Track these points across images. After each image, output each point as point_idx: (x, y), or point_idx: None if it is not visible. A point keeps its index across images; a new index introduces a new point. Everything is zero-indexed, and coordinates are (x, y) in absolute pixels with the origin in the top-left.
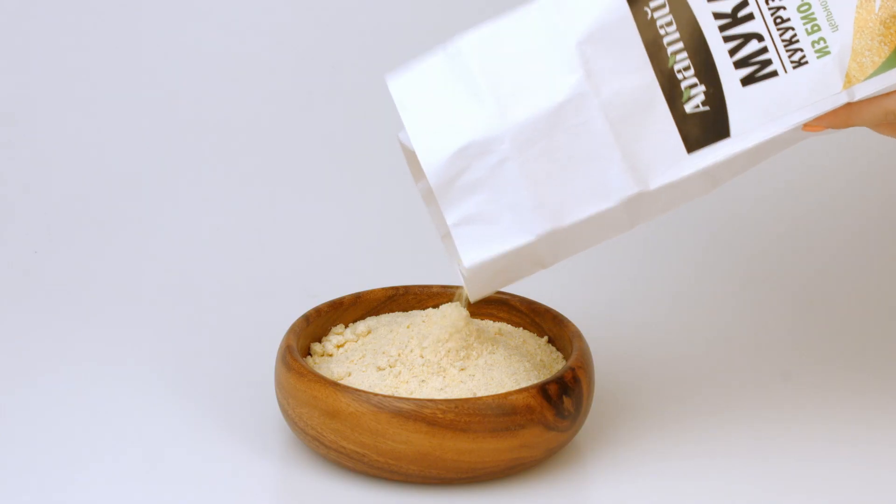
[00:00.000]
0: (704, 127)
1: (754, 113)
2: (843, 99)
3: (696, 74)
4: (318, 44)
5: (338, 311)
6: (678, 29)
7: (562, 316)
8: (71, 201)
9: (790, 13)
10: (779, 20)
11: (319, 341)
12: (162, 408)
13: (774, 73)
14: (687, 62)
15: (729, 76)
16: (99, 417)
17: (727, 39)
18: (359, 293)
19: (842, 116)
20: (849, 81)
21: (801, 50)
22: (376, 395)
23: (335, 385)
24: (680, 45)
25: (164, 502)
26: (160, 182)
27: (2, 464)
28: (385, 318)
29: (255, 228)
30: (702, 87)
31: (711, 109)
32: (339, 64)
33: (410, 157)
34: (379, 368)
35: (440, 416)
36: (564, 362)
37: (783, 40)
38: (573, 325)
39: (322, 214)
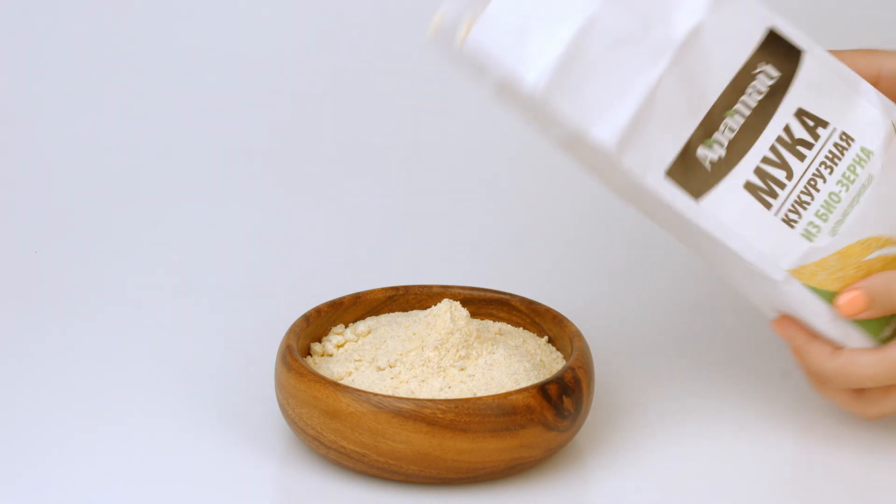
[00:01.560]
0: (691, 176)
1: (726, 210)
2: (776, 277)
3: (730, 142)
4: (318, 44)
5: (338, 311)
6: (758, 104)
7: (562, 316)
8: (70, 201)
9: (823, 188)
10: (812, 183)
11: (319, 341)
12: (161, 408)
13: (768, 206)
14: (736, 128)
15: (743, 171)
16: (98, 417)
17: (772, 151)
18: (359, 293)
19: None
20: (795, 274)
21: (800, 218)
22: (376, 395)
23: (335, 385)
24: (746, 113)
25: (163, 502)
26: (160, 182)
27: (1, 464)
28: (385, 318)
29: (254, 228)
30: (721, 153)
31: (708, 173)
32: (340, 64)
33: None
34: (379, 368)
35: (440, 416)
36: (564, 362)
37: (798, 199)
38: (573, 325)
39: (322, 214)
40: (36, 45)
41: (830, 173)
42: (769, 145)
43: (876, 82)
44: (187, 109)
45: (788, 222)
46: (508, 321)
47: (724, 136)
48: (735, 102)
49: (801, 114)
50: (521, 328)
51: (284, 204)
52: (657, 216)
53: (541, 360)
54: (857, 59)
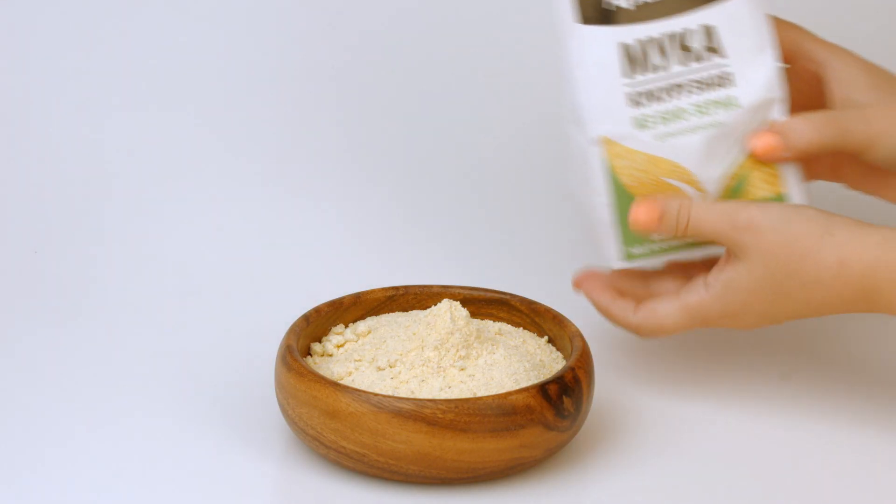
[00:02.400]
0: (592, 3)
1: (593, 50)
2: (590, 133)
3: (641, 3)
4: (319, 44)
5: (338, 311)
6: None
7: (562, 316)
8: (70, 201)
9: (682, 100)
10: (676, 89)
11: (319, 341)
12: (162, 408)
13: (626, 75)
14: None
15: (630, 33)
16: (98, 417)
17: (665, 37)
18: (359, 293)
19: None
20: (605, 143)
21: (646, 107)
22: (376, 395)
23: (335, 385)
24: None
25: (164, 502)
26: (160, 182)
27: (2, 464)
28: (385, 318)
29: (255, 228)
30: (629, 6)
31: (606, 11)
32: (341, 64)
33: None
34: (379, 368)
35: (440, 416)
36: (564, 362)
37: (656, 91)
38: (573, 325)
39: (322, 214)
40: (37, 45)
41: (697, 94)
42: (665, 31)
43: (791, 58)
44: (188, 110)
45: (634, 101)
46: (508, 321)
47: None
48: None
49: (708, 31)
50: (521, 328)
51: (284, 204)
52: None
53: (541, 360)
54: (782, 28)
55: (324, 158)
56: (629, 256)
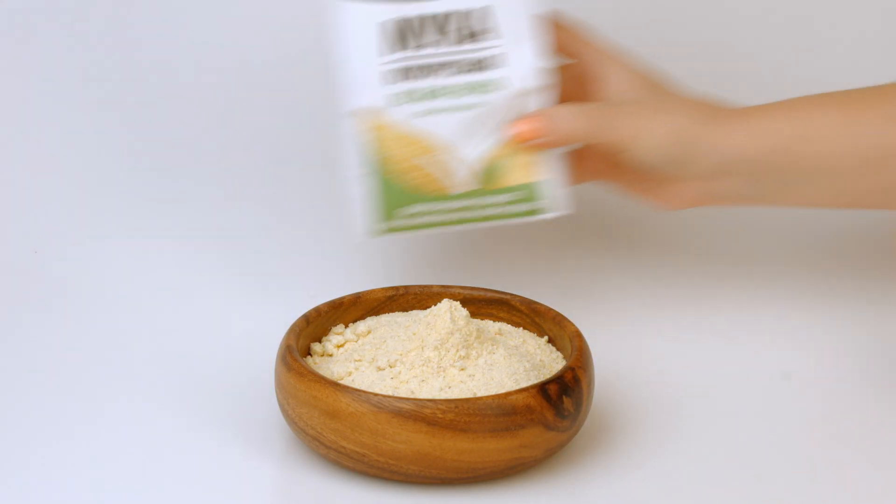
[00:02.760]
0: None
1: (352, 26)
2: (347, 107)
3: None
4: (316, 43)
5: (338, 311)
6: None
7: (562, 316)
8: (70, 201)
9: (455, 80)
10: (444, 67)
11: (319, 341)
12: (162, 408)
13: (382, 53)
14: None
15: (387, 12)
16: (98, 417)
17: (427, 17)
18: (359, 293)
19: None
20: (363, 118)
21: (414, 83)
22: (376, 395)
23: (335, 385)
24: None
25: (164, 502)
26: (160, 181)
27: (1, 464)
28: (385, 318)
29: (254, 228)
30: None
31: None
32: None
33: None
34: (379, 368)
35: (440, 416)
36: (564, 362)
37: (416, 68)
38: (573, 325)
39: (322, 214)
40: (36, 46)
41: (459, 75)
42: (428, 12)
43: (564, 54)
44: (187, 109)
45: (392, 78)
46: (508, 321)
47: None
48: None
49: (473, 14)
50: (521, 328)
51: (284, 204)
52: None
53: (541, 360)
54: (557, 25)
55: (324, 158)
56: (390, 230)
